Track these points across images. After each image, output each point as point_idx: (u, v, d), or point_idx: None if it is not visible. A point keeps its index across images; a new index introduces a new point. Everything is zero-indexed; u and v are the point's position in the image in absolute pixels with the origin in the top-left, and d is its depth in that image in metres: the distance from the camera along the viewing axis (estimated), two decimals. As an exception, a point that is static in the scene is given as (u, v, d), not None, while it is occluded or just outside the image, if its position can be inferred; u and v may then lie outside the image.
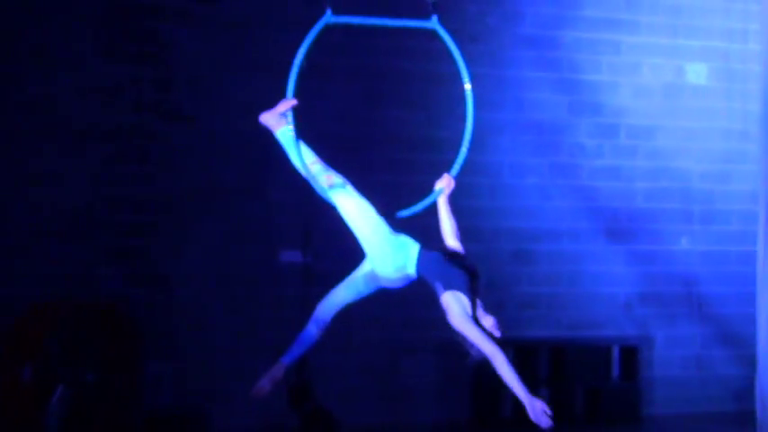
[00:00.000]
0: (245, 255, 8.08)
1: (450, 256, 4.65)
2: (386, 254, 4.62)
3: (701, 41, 9.39)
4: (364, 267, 4.78)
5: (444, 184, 4.80)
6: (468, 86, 4.84)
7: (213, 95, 8.06)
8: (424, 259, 4.64)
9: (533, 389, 8.58)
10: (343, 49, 8.10)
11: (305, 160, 4.69)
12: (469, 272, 4.56)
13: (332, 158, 7.93)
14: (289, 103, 4.69)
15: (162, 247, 7.98)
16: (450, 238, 4.80)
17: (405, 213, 4.80)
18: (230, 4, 8.15)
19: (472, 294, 4.53)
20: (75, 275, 7.71)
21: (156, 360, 7.64)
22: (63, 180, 7.76)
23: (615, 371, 8.91)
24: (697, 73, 9.41)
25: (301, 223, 7.61)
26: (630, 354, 8.90)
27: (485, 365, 4.47)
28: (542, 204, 8.96)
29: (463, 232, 8.66)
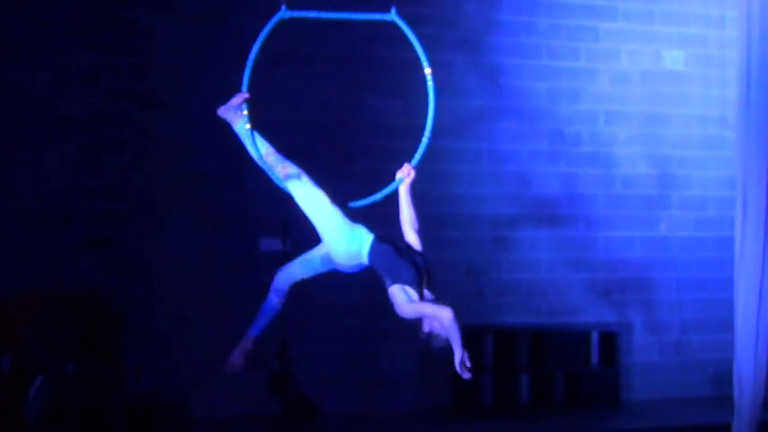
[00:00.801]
0: (225, 243, 8.07)
1: (403, 249, 4.70)
2: (339, 242, 4.75)
3: (679, 28, 9.42)
4: (321, 249, 4.89)
5: (404, 174, 4.83)
6: (428, 71, 4.84)
7: (190, 84, 8.03)
8: (376, 250, 4.72)
9: (514, 375, 8.70)
10: (322, 37, 8.07)
11: (260, 152, 4.85)
12: (418, 268, 4.62)
13: (312, 145, 7.95)
14: (242, 96, 4.84)
15: (140, 235, 7.95)
16: (409, 229, 4.85)
17: (359, 203, 4.84)
18: (207, -9, 8.11)
19: (420, 290, 4.59)
20: (53, 265, 7.67)
21: (136, 349, 7.61)
22: (40, 169, 7.72)
23: (594, 356, 8.96)
24: (674, 59, 9.43)
25: (280, 211, 7.59)
26: (609, 339, 8.94)
27: (447, 352, 4.51)
28: (522, 191, 8.97)
29: (443, 219, 8.72)
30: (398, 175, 4.89)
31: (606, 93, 9.25)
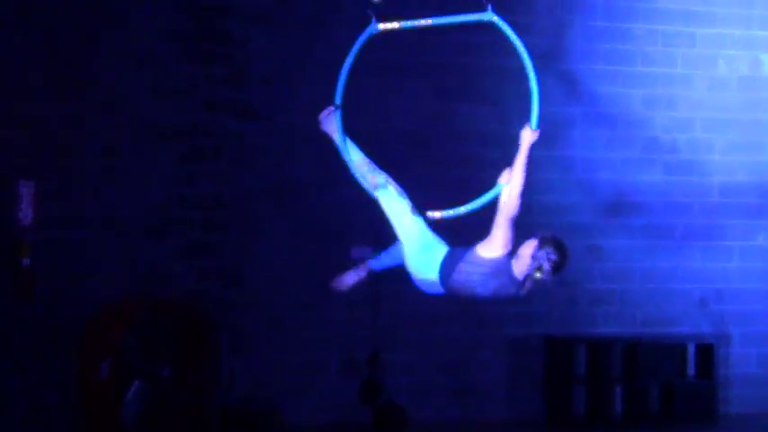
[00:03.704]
0: (318, 251, 8.12)
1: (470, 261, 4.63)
2: (412, 251, 4.77)
3: (778, 32, 9.21)
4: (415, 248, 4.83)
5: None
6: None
7: (285, 93, 8.12)
8: (447, 261, 4.70)
9: (607, 387, 8.57)
10: (414, 45, 8.09)
11: (354, 161, 4.92)
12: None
13: (405, 153, 7.97)
14: (330, 109, 4.94)
15: (235, 243, 8.06)
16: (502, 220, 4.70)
17: (453, 213, 4.75)
18: (303, 2, 8.19)
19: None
20: (151, 272, 7.82)
21: (230, 355, 7.72)
22: (138, 178, 7.87)
23: (691, 368, 8.79)
24: (774, 64, 9.23)
25: (374, 220, 7.62)
26: (706, 351, 8.76)
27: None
28: (616, 199, 8.87)
29: (534, 228, 8.63)
30: (500, 181, 4.80)
31: (703, 99, 9.08)
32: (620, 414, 8.59)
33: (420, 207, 4.85)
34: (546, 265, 4.58)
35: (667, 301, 8.94)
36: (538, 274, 4.60)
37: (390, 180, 4.92)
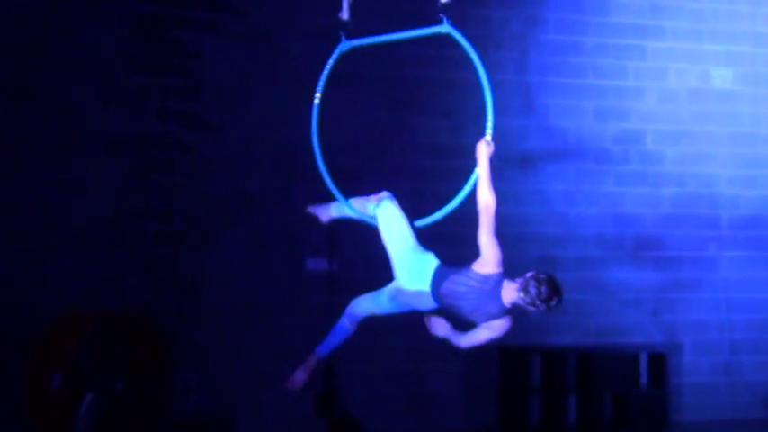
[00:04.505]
0: (272, 263, 8.11)
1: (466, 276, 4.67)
2: (404, 265, 4.76)
3: (727, 46, 9.35)
4: (391, 285, 4.88)
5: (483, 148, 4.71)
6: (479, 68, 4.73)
7: (239, 105, 8.10)
8: (438, 275, 4.70)
9: (561, 396, 8.62)
10: (368, 58, 8.10)
11: (359, 210, 4.98)
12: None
13: (359, 166, 7.98)
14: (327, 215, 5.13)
15: (189, 255, 8.01)
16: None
17: (425, 221, 4.83)
18: (256, 14, 8.18)
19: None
20: (102, 284, 7.75)
21: (184, 368, 7.67)
22: (90, 189, 7.81)
23: (643, 377, 8.86)
24: (723, 77, 9.36)
25: (327, 231, 7.62)
26: (658, 360, 8.85)
27: None
28: (568, 210, 8.94)
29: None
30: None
31: (654, 112, 9.19)
32: (574, 423, 8.65)
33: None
34: (538, 302, 4.56)
35: (620, 312, 9.02)
36: (531, 308, 4.59)
37: (389, 195, 4.94)
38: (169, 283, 7.95)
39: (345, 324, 4.98)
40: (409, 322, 8.08)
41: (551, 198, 8.90)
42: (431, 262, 4.75)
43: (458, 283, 4.63)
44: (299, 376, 5.01)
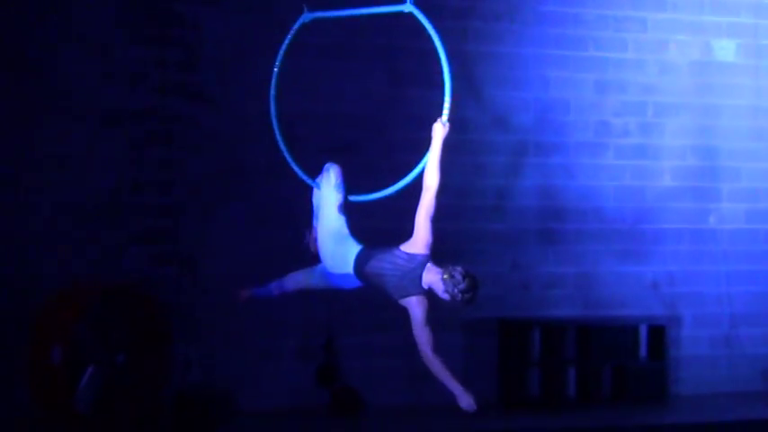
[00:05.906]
0: (272, 236, 8.10)
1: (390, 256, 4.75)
2: (328, 245, 4.90)
3: (729, 17, 9.29)
4: (321, 264, 5.04)
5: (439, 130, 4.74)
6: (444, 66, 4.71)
7: (238, 77, 8.06)
8: (361, 258, 4.80)
9: (561, 369, 8.64)
10: (364, 29, 8.07)
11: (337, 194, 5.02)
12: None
13: (355, 137, 7.95)
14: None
15: (189, 228, 8.01)
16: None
17: (367, 197, 4.89)
18: (254, -15, 8.14)
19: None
20: (102, 257, 7.76)
21: (184, 341, 7.69)
22: (90, 163, 7.80)
23: (643, 350, 8.89)
24: (725, 49, 9.32)
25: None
26: (658, 333, 8.87)
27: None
28: (568, 183, 8.92)
29: (488, 212, 8.67)
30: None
31: (654, 84, 9.15)
32: (573, 395, 8.68)
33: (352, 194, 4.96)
34: (456, 291, 4.65)
35: (619, 284, 9.02)
36: (445, 295, 4.68)
37: (335, 168, 4.97)
38: (169, 255, 7.95)
39: (272, 287, 5.28)
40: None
41: (551, 171, 8.88)
42: (353, 247, 4.84)
43: (384, 261, 4.73)
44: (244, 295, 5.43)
